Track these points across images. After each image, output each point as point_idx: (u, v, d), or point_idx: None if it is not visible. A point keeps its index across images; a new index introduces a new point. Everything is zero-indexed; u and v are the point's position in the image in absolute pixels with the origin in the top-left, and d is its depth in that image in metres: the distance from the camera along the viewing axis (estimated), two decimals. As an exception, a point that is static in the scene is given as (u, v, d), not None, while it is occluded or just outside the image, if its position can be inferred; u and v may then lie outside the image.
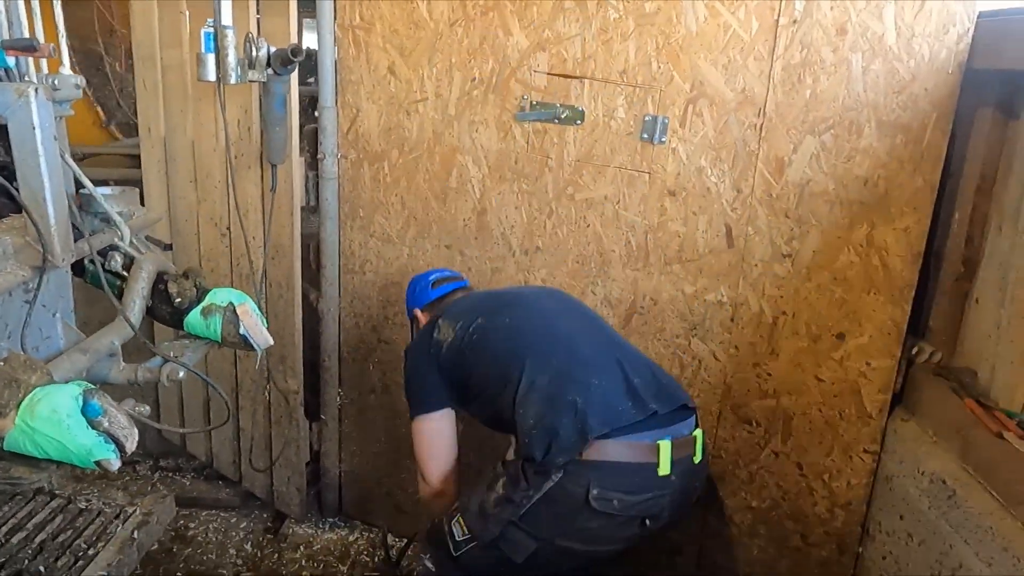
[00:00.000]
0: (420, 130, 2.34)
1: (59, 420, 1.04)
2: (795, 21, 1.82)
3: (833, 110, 1.84)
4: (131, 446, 1.10)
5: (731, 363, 2.10)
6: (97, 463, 1.06)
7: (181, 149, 2.74)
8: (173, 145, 2.78)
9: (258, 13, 2.30)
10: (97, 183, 1.76)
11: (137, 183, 3.05)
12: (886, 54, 1.77)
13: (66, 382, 1.30)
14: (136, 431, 1.12)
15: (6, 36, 1.41)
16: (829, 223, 1.91)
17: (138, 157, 3.10)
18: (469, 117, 2.25)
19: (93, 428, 1.07)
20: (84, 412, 1.07)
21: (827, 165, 1.87)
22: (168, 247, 3.01)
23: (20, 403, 1.07)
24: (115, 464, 1.08)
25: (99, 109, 4.18)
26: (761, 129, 1.92)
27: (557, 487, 1.63)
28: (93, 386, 1.11)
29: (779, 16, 1.83)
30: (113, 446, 1.08)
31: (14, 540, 1.75)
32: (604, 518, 1.63)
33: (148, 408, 1.25)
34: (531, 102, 2.15)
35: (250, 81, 2.02)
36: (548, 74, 2.11)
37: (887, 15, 1.75)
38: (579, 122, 2.10)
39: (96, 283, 1.55)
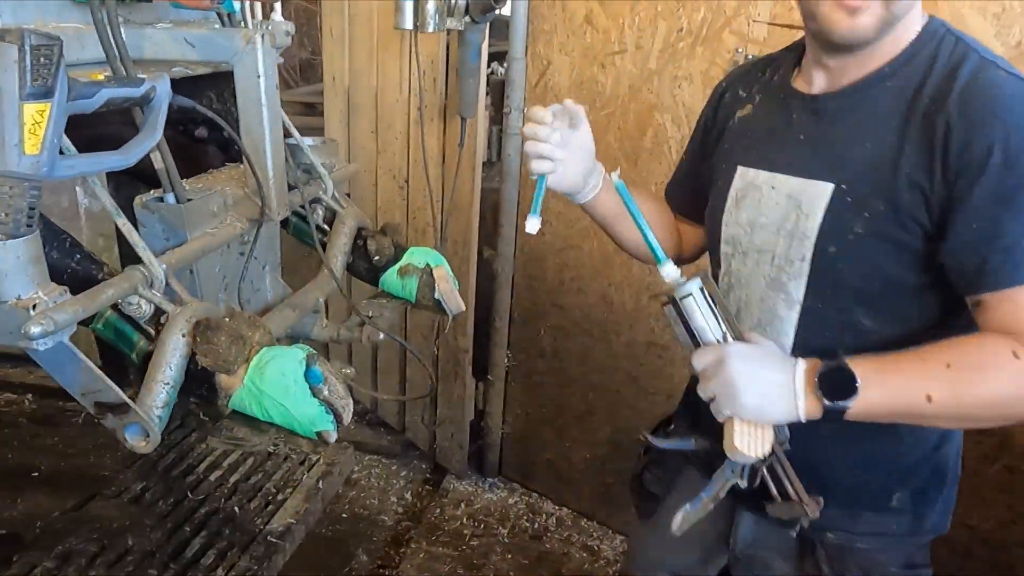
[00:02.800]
0: (615, 84, 2.17)
1: (287, 385, 1.00)
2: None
3: None
4: (347, 417, 1.06)
5: None
6: (317, 433, 1.02)
7: (364, 99, 2.73)
8: (356, 94, 2.78)
9: (455, -42, 2.21)
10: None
11: (314, 131, 3.11)
12: None
13: (277, 341, 1.29)
14: (351, 401, 1.07)
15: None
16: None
17: (312, 105, 3.14)
18: (672, 72, 2.06)
19: (314, 396, 1.03)
20: (306, 378, 1.03)
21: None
22: (346, 196, 3.06)
23: (248, 361, 1.04)
24: (333, 436, 1.04)
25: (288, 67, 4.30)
26: (1037, 92, 1.61)
27: None
28: (314, 351, 1.07)
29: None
30: (332, 416, 1.04)
31: (211, 478, 1.82)
32: None
33: (353, 371, 1.21)
34: (746, 56, 1.93)
35: (448, 29, 1.93)
36: (770, 24, 1.87)
37: None
38: (802, 79, 1.87)
39: (300, 236, 1.53)
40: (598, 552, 2.57)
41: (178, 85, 1.53)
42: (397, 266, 1.54)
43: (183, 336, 1.01)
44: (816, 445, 1.09)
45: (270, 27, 1.47)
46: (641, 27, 2.08)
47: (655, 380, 2.37)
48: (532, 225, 1.12)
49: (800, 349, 1.13)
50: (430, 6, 1.89)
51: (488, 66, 2.45)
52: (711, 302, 1.04)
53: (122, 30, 1.18)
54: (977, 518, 1.90)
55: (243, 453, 1.93)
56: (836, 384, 0.96)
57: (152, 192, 1.18)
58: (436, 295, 1.52)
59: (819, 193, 1.07)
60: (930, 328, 1.05)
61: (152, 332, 1.04)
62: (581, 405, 2.59)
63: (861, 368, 0.97)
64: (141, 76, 1.00)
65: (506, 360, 2.72)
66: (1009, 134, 0.93)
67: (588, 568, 2.50)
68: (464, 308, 1.58)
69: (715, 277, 1.28)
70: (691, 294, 1.04)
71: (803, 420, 0.99)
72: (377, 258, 1.52)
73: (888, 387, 0.97)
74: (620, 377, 2.45)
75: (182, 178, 1.17)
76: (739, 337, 1.05)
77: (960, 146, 0.95)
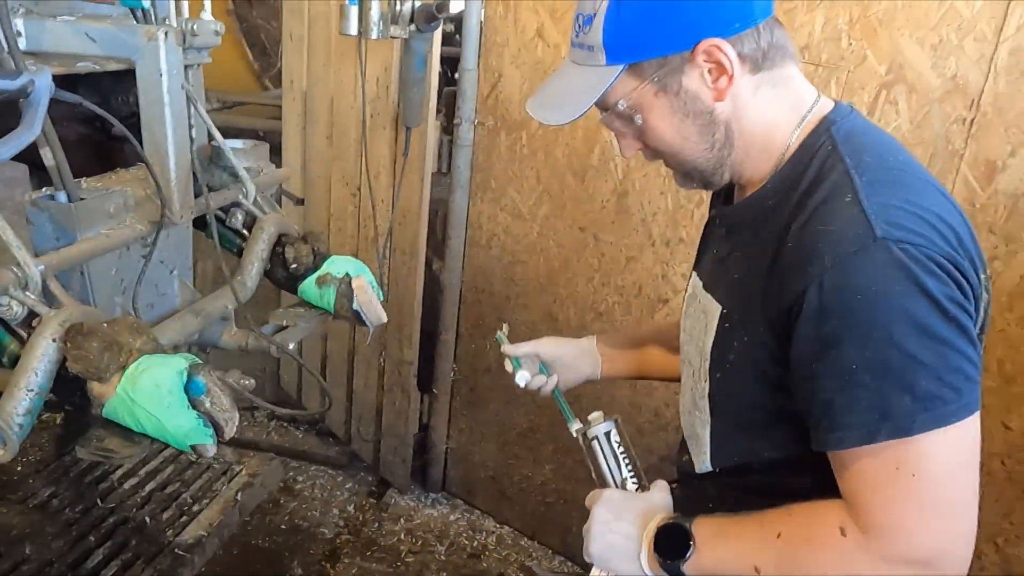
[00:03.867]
0: (564, 100, 2.15)
1: (160, 396, 0.96)
2: (1035, -5, 1.48)
3: (1071, 108, 1.50)
4: (230, 431, 1.02)
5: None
6: (192, 447, 0.98)
7: (320, 104, 2.70)
8: (313, 99, 2.75)
9: (407, -35, 2.19)
10: (244, 133, 1.73)
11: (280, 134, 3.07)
12: None
13: (174, 348, 1.25)
14: (237, 415, 1.03)
15: (148, -25, 1.34)
16: (1045, 244, 1.58)
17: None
18: (619, 89, 2.05)
19: (194, 407, 0.99)
20: (187, 389, 0.99)
21: (1053, 174, 1.54)
22: (300, 202, 3.00)
23: (125, 369, 1.00)
24: (211, 450, 1.00)
25: (254, 63, 4.26)
26: (971, 125, 1.60)
27: None
28: (199, 360, 1.03)
29: (1014, -11, 1.50)
30: (211, 431, 1.00)
31: (126, 486, 1.76)
32: None
33: (252, 382, 1.16)
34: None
35: (391, 37, 1.91)
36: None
37: None
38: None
39: (220, 240, 1.50)
40: (536, 573, 2.53)
41: (99, 79, 1.50)
42: (316, 274, 1.51)
43: (54, 341, 0.96)
44: None
45: (194, 26, 1.44)
46: (590, 43, 2.06)
47: (597, 400, 2.34)
48: (575, 427, 1.23)
49: (718, 470, 1.09)
50: (374, 13, 1.86)
51: (452, 75, 2.44)
52: (615, 447, 1.14)
53: (19, 21, 1.16)
54: None
55: (162, 461, 1.88)
56: (671, 544, 0.96)
57: (44, 189, 1.13)
58: (355, 306, 1.49)
59: (714, 313, 1.02)
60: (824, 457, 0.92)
61: (25, 335, 0.99)
62: (524, 422, 2.55)
63: (702, 529, 0.95)
64: (21, 69, 0.96)
65: (452, 374, 2.68)
66: (822, 278, 0.81)
67: (523, 589, 2.46)
68: (386, 320, 1.55)
69: None
70: (596, 437, 1.14)
71: (648, 575, 0.98)
72: (295, 266, 1.48)
73: (720, 552, 0.94)
74: (564, 395, 2.42)
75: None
76: (641, 484, 1.11)
77: (786, 287, 0.86)
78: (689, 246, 2.02)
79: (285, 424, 3.26)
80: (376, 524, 2.70)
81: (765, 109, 0.94)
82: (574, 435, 1.20)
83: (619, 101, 0.94)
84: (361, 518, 2.75)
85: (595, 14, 0.93)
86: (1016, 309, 1.63)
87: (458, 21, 2.33)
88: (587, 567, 1.08)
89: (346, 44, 2.45)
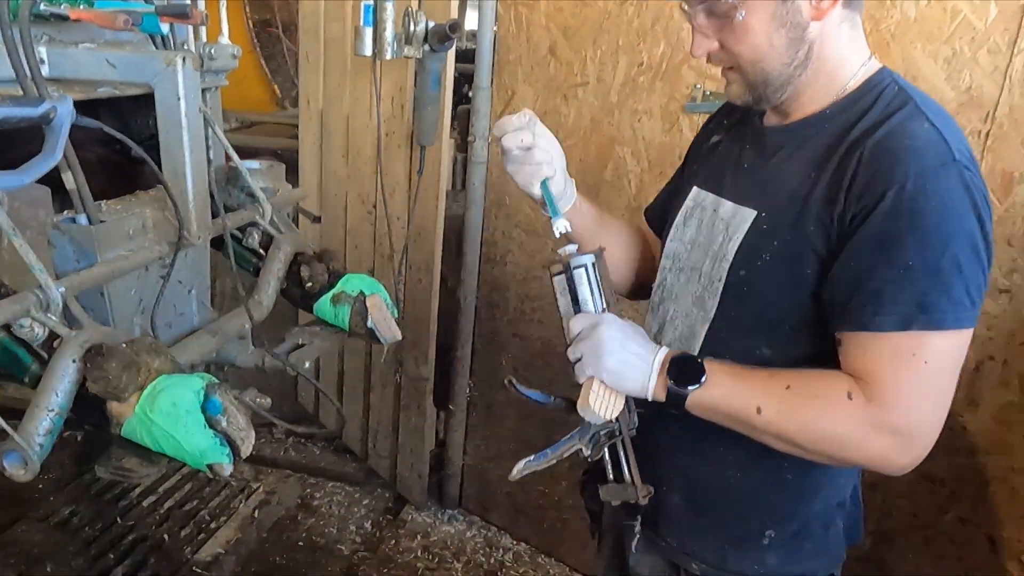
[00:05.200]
0: (578, 117, 2.17)
1: (177, 416, 0.97)
2: (1049, 7, 1.48)
3: (1088, 118, 1.49)
4: (246, 450, 1.02)
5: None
6: (209, 467, 0.99)
7: (336, 123, 2.74)
8: (329, 119, 2.78)
9: (420, -14, 2.22)
10: (262, 152, 1.75)
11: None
12: None
13: (192, 367, 1.26)
14: (253, 434, 1.04)
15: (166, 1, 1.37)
16: (1065, 256, 1.56)
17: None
18: (632, 105, 2.06)
19: (211, 427, 1.00)
20: (204, 408, 1.00)
21: (1071, 186, 1.53)
22: (317, 219, 3.03)
23: (142, 389, 1.01)
24: (227, 469, 1.00)
25: (275, 86, 4.32)
26: (987, 137, 1.59)
27: None
28: (216, 379, 1.04)
29: (1028, 0, 1.50)
30: (228, 449, 1.00)
31: (144, 504, 1.78)
32: None
33: (269, 400, 1.17)
34: (704, 92, 1.92)
35: (405, 57, 1.93)
36: (727, 61, 1.87)
37: None
38: (758, 117, 1.86)
39: (237, 260, 1.51)
40: (553, 590, 2.52)
41: (119, 103, 1.53)
42: (331, 293, 1.52)
43: (74, 362, 0.98)
44: (700, 471, 1.19)
45: (211, 50, 1.47)
46: (603, 60, 2.08)
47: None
48: (562, 225, 1.16)
49: None
50: (388, 34, 1.88)
51: (466, 91, 2.45)
52: (599, 278, 1.11)
53: (43, 49, 1.18)
54: (930, 569, 1.85)
55: (181, 478, 1.89)
56: (684, 372, 1.03)
57: (65, 213, 1.16)
58: (369, 324, 1.50)
59: (744, 218, 1.10)
60: (823, 365, 1.04)
61: (46, 356, 1.01)
62: (541, 437, 2.53)
63: (714, 367, 1.04)
64: (44, 96, 0.98)
65: (468, 390, 2.68)
66: (905, 183, 0.93)
67: (541, 607, 2.44)
68: (400, 337, 1.55)
69: (650, 290, 1.31)
70: (584, 266, 1.11)
71: (650, 398, 1.06)
72: (309, 284, 1.49)
73: (726, 389, 1.02)
74: (580, 411, 2.41)
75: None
76: (618, 314, 1.11)
77: (861, 188, 0.96)
78: (704, 261, 2.02)
79: (302, 441, 3.27)
80: (393, 541, 2.69)
81: (843, 44, 1.05)
82: (555, 271, 1.13)
83: None
84: (378, 535, 2.75)
85: None
86: (1037, 322, 1.61)
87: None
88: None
89: (361, 64, 2.48)
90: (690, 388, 1.02)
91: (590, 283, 1.11)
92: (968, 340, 0.98)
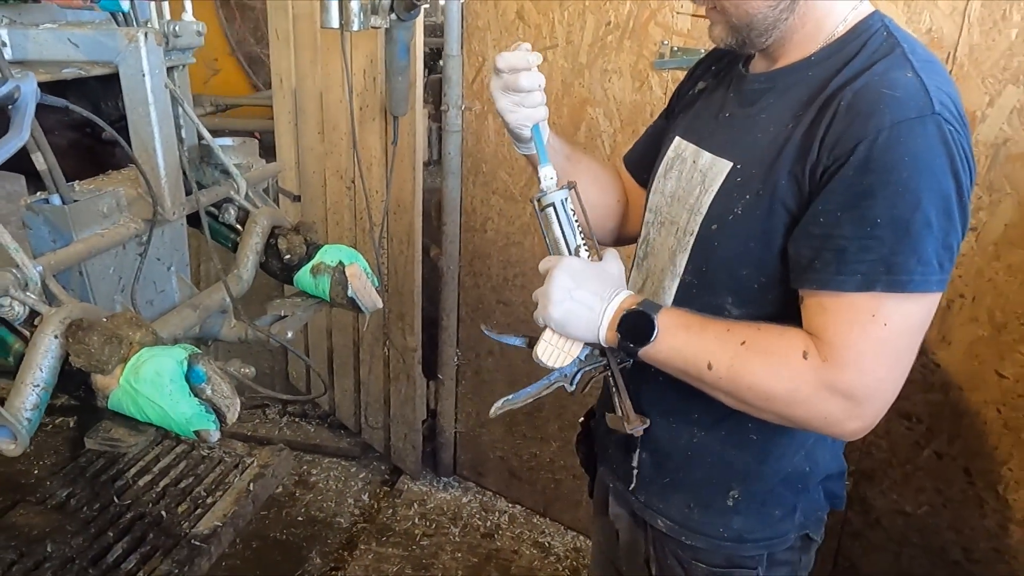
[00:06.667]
0: (548, 80, 2.13)
1: (162, 384, 1.00)
2: (1004, -56, 1.49)
3: (1046, 54, 1.51)
4: (232, 417, 1.05)
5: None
6: (196, 433, 1.02)
7: (309, 100, 2.73)
8: (302, 96, 2.77)
9: (385, -44, 2.21)
10: (239, 134, 1.75)
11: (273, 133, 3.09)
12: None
13: (174, 341, 1.28)
14: (238, 401, 1.06)
15: (126, -20, 1.36)
16: (1029, 192, 1.59)
17: (275, 108, 3.10)
18: (602, 65, 2.07)
19: (196, 395, 1.02)
20: (188, 378, 1.02)
21: (1032, 121, 1.56)
22: (297, 198, 3.04)
23: (126, 361, 1.03)
24: (214, 436, 1.03)
25: (249, 72, 4.27)
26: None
27: None
28: (199, 350, 1.06)
29: (983, -61, 1.51)
30: (214, 416, 1.03)
31: (140, 483, 1.80)
32: None
33: (253, 370, 1.20)
34: (672, 48, 1.93)
35: (372, 27, 1.93)
36: (693, 15, 1.88)
37: None
38: (726, 70, 1.87)
39: (215, 236, 1.53)
40: (549, 548, 2.57)
41: (88, 86, 1.53)
42: (310, 264, 1.54)
43: (56, 337, 1.00)
44: (666, 428, 1.17)
45: (175, 27, 1.47)
46: (570, 22, 2.08)
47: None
48: (550, 172, 1.11)
49: None
50: (354, 4, 1.88)
51: (437, 63, 2.45)
52: (570, 215, 1.08)
53: (3, 32, 1.18)
54: (910, 505, 1.91)
55: (175, 457, 1.92)
56: (635, 329, 1.01)
57: (39, 193, 1.17)
58: (349, 293, 1.52)
59: (720, 171, 1.07)
60: (789, 324, 1.00)
61: (28, 334, 1.03)
62: (529, 401, 2.58)
63: (667, 320, 1.00)
64: (7, 77, 0.99)
65: (456, 359, 2.71)
66: (878, 135, 0.88)
67: (538, 565, 2.50)
68: (380, 305, 1.57)
69: (635, 243, 1.29)
70: (552, 204, 1.08)
71: (604, 345, 1.04)
72: (288, 256, 1.51)
73: (679, 343, 1.00)
74: (566, 373, 2.45)
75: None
76: (594, 253, 1.09)
77: (834, 140, 0.92)
78: (680, 217, 2.04)
79: (297, 419, 3.30)
80: (391, 511, 2.74)
81: None
82: (537, 206, 1.11)
83: None
84: (376, 506, 2.80)
85: None
86: (1003, 258, 1.65)
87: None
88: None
89: (331, 38, 2.47)
90: (638, 347, 1.00)
91: (560, 221, 1.08)
92: (935, 305, 0.93)
